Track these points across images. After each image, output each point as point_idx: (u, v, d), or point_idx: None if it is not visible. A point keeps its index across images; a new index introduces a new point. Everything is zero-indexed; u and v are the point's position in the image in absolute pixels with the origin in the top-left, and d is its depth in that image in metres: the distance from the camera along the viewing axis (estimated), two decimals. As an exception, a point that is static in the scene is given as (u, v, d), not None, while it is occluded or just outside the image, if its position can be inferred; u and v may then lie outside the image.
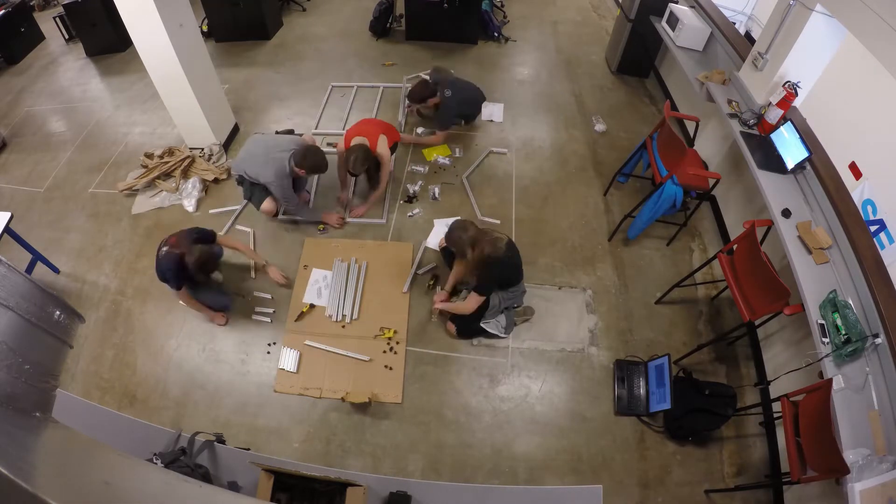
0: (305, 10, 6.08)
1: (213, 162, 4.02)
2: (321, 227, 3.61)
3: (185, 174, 3.94)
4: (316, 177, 3.85)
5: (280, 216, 3.62)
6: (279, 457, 2.43)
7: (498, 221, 3.68)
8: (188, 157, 3.97)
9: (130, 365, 3.00)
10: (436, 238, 3.53)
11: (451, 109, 4.01)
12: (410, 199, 3.83)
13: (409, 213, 3.74)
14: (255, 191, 3.37)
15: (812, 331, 2.33)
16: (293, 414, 2.80)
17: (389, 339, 3.04)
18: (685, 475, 2.65)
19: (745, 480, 2.62)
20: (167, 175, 3.94)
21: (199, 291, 3.02)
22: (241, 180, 3.39)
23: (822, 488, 2.23)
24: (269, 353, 3.02)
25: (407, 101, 4.04)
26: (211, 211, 3.73)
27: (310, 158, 3.16)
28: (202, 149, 4.11)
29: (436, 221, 3.66)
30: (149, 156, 4.04)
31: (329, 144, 4.25)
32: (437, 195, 3.85)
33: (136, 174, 3.98)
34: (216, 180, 3.91)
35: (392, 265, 3.41)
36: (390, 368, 2.93)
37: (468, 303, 2.80)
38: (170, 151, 4.08)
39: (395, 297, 3.25)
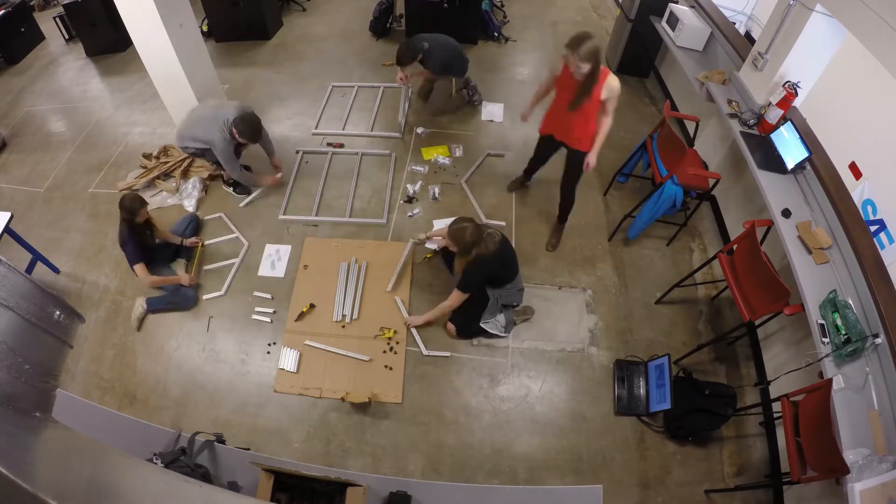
0: (305, 10, 6.08)
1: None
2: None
3: (185, 174, 3.94)
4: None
5: (228, 187, 3.82)
6: (279, 457, 2.43)
7: (503, 223, 3.67)
8: (187, 157, 3.97)
9: (130, 365, 3.00)
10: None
11: (436, 56, 4.07)
12: (410, 200, 3.83)
13: (409, 213, 3.74)
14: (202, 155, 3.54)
15: (812, 331, 2.34)
16: (293, 414, 2.80)
17: (389, 339, 3.04)
18: (685, 475, 2.65)
19: (745, 480, 2.62)
20: (167, 175, 3.94)
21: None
22: (184, 149, 3.55)
23: (822, 488, 2.23)
24: (269, 352, 3.02)
25: (400, 72, 4.12)
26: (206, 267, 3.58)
27: (247, 125, 3.34)
28: None
29: (435, 222, 3.66)
30: (147, 156, 4.04)
31: (329, 144, 4.26)
32: (437, 195, 3.85)
33: (136, 174, 3.98)
34: (211, 177, 3.92)
35: (392, 265, 3.40)
36: (390, 368, 2.93)
37: (449, 300, 2.83)
38: (165, 151, 4.08)
39: (395, 296, 3.25)
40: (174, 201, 3.80)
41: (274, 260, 3.46)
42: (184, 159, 3.96)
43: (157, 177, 3.89)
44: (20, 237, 3.17)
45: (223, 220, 3.69)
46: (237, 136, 3.36)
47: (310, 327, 3.10)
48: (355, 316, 3.14)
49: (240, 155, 3.66)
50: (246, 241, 3.52)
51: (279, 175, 3.79)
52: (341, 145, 4.23)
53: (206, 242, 3.53)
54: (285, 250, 3.51)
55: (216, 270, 3.41)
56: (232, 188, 3.82)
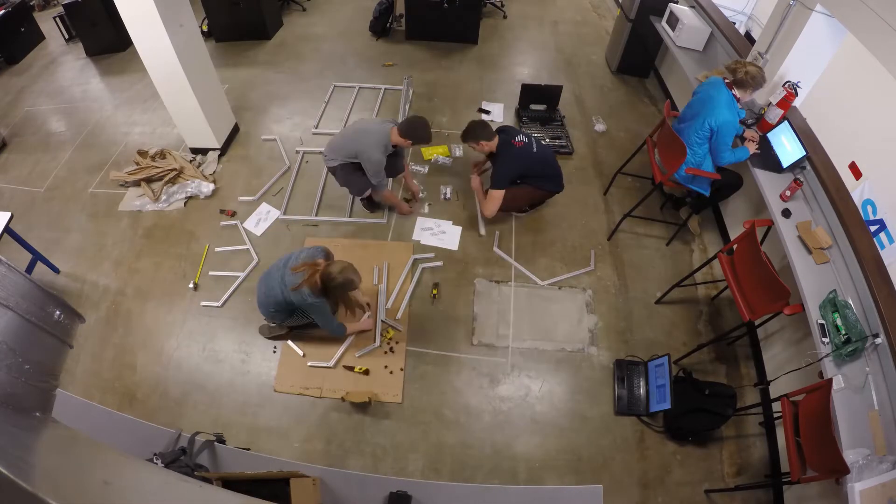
0: (305, 10, 6.09)
1: (203, 169, 3.99)
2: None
3: (173, 181, 3.91)
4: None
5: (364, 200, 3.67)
6: (279, 457, 2.43)
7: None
8: (175, 168, 3.91)
9: (130, 365, 3.00)
10: (421, 232, 3.61)
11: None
12: (409, 201, 3.82)
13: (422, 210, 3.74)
14: (350, 177, 3.37)
15: (812, 331, 2.34)
16: (293, 414, 2.80)
17: (389, 339, 3.04)
18: (685, 475, 2.65)
19: (745, 480, 2.62)
20: (155, 179, 3.91)
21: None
22: (332, 170, 3.42)
23: (822, 488, 2.23)
24: (274, 351, 3.02)
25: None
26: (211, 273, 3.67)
27: (418, 128, 3.17)
28: (195, 157, 4.11)
29: (420, 218, 3.71)
30: (142, 154, 4.03)
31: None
32: (448, 195, 3.86)
33: (130, 168, 3.98)
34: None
35: (392, 265, 3.40)
36: (390, 371, 2.93)
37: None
38: (162, 154, 4.07)
39: (395, 296, 3.25)
40: (153, 207, 3.76)
41: (261, 218, 3.68)
42: (172, 169, 3.91)
43: (147, 179, 3.88)
44: (20, 237, 3.17)
45: (238, 228, 3.66)
46: (404, 140, 3.17)
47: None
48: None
49: (393, 169, 3.47)
50: (256, 257, 3.46)
51: (417, 200, 3.76)
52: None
53: (217, 249, 3.51)
54: (274, 212, 3.71)
55: (219, 278, 3.39)
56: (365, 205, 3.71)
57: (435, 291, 3.26)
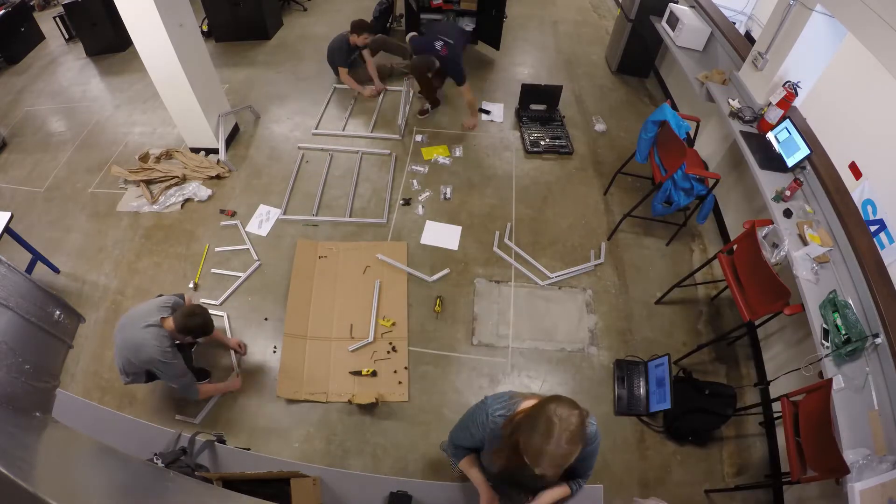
0: (306, 9, 6.09)
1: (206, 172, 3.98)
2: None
3: (178, 184, 3.90)
4: None
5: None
6: (279, 457, 2.43)
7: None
8: (177, 176, 3.89)
9: (130, 365, 2.99)
10: (430, 235, 3.57)
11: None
12: (407, 202, 3.82)
13: (417, 211, 3.75)
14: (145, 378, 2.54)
15: (812, 331, 2.34)
16: (293, 414, 2.80)
17: (391, 341, 3.04)
18: (685, 475, 2.65)
19: (745, 480, 2.62)
20: (154, 182, 3.91)
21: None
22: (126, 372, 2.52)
23: (822, 488, 2.24)
24: (274, 351, 3.01)
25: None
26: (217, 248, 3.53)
27: (195, 318, 2.38)
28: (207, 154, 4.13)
29: (428, 223, 3.69)
30: (143, 158, 4.02)
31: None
32: (448, 195, 3.86)
33: (132, 168, 3.99)
34: (219, 177, 3.95)
35: (389, 264, 3.40)
36: (395, 371, 2.93)
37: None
38: (168, 154, 4.08)
39: (393, 295, 3.25)
40: (150, 209, 3.75)
41: (262, 220, 3.67)
42: (174, 176, 3.90)
43: (147, 181, 3.88)
44: (20, 237, 3.17)
45: (238, 228, 3.65)
46: (181, 335, 2.41)
47: (311, 331, 3.09)
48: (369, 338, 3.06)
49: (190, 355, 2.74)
50: (256, 257, 3.45)
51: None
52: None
53: (217, 249, 3.50)
54: (275, 213, 3.71)
55: (219, 278, 3.38)
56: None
57: (438, 308, 3.20)
